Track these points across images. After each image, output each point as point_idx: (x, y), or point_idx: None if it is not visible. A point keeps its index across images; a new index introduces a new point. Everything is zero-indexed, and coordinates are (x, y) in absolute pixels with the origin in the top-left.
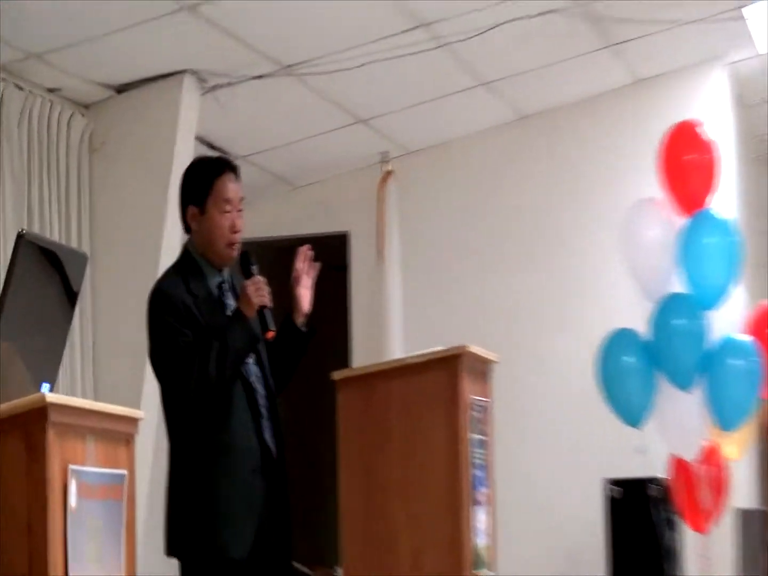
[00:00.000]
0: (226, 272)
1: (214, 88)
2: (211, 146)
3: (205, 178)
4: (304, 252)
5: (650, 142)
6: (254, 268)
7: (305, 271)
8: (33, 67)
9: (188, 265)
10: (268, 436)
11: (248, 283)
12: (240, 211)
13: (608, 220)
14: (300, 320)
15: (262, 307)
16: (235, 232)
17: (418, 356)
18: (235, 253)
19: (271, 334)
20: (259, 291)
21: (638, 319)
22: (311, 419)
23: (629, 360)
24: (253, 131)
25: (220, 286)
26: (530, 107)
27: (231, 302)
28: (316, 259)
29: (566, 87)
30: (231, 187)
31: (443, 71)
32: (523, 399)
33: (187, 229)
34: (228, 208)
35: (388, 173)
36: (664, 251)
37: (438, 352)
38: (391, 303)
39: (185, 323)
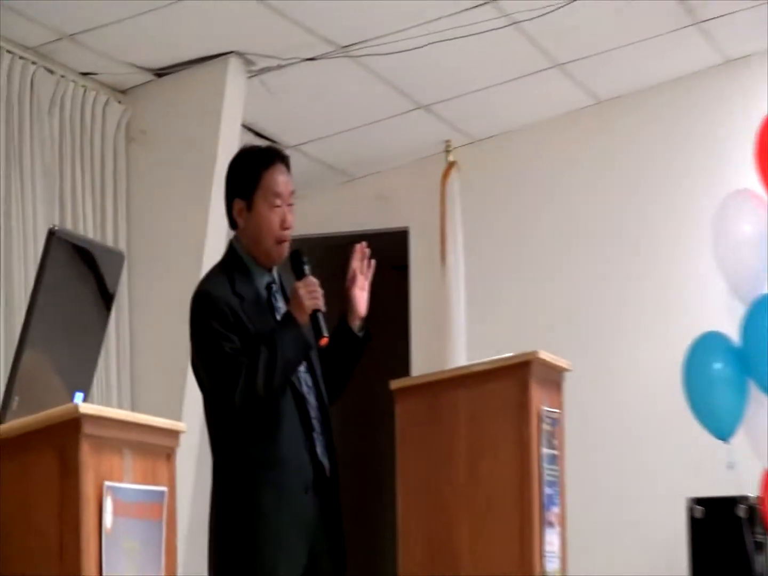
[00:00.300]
0: (275, 272)
1: (262, 71)
2: (259, 135)
3: (253, 170)
4: (361, 249)
5: (744, 128)
6: (306, 268)
7: (361, 270)
8: (65, 49)
9: (234, 264)
10: (320, 450)
11: (300, 284)
12: (291, 205)
13: (696, 215)
14: (355, 324)
15: (314, 311)
16: (286, 228)
17: (484, 363)
18: (286, 251)
19: (324, 341)
20: (312, 293)
21: (728, 323)
22: (367, 432)
23: (718, 367)
24: (305, 118)
25: (268, 287)
26: (607, 91)
27: (281, 305)
28: (373, 257)
29: (648, 69)
30: (281, 180)
31: (513, 52)
32: (598, 410)
33: (234, 225)
34: (278, 202)
35: (452, 164)
36: (757, 249)
37: (506, 358)
38: (455, 306)
39: (231, 328)
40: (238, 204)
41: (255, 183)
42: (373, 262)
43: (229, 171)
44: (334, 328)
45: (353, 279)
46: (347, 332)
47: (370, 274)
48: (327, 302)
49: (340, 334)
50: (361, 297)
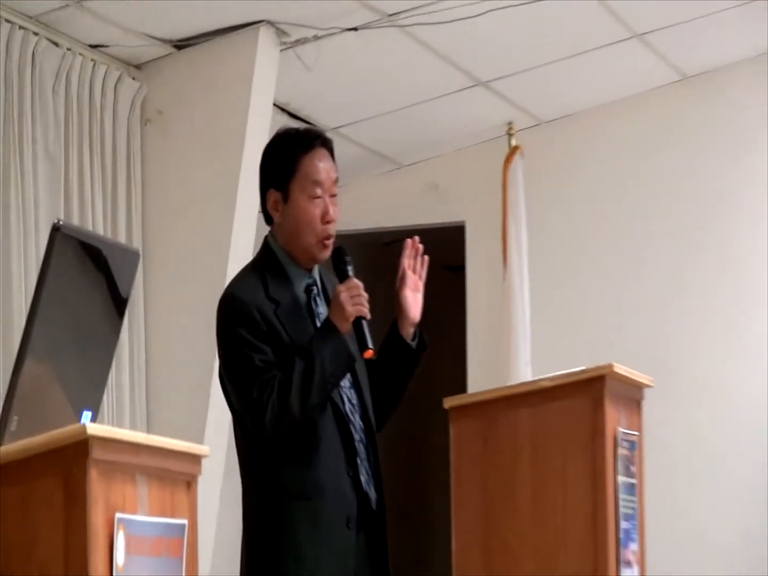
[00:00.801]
0: (316, 272)
1: (297, 43)
2: (294, 116)
3: (289, 155)
4: (413, 245)
5: None
6: (349, 269)
7: (413, 268)
8: (72, 17)
9: (269, 263)
10: (364, 479)
11: (342, 287)
12: (334, 196)
13: None
14: (408, 331)
15: (358, 319)
16: (328, 222)
17: (551, 378)
18: (328, 250)
19: (369, 353)
20: (356, 298)
21: None
22: (418, 457)
23: None
24: (346, 97)
25: (308, 290)
26: (694, 65)
27: (322, 311)
28: (426, 254)
29: (741, 41)
30: (322, 166)
31: (584, 20)
32: (681, 434)
33: (269, 219)
34: (318, 191)
35: (515, 149)
36: None
37: (577, 373)
38: (518, 314)
39: (263, 337)
40: (273, 195)
41: (291, 170)
42: (426, 258)
43: (263, 158)
44: (385, 336)
45: (404, 279)
46: (398, 341)
47: (423, 272)
48: (372, 308)
49: (390, 344)
50: (414, 299)
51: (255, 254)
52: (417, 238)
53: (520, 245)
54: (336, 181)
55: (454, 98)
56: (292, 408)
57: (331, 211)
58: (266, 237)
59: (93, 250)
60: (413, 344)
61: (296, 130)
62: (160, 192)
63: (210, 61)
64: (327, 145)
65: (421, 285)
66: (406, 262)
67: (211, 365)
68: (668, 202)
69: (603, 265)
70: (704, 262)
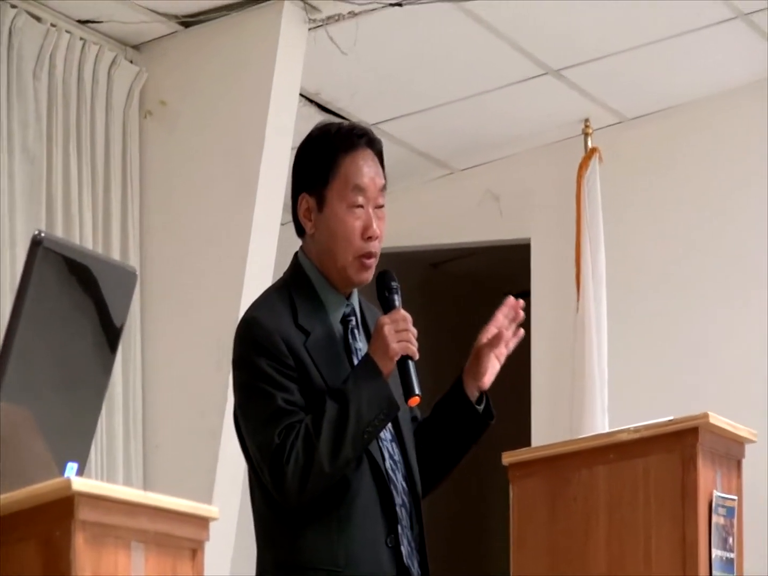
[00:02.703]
0: (354, 299)
1: (330, 20)
2: (324, 109)
3: (328, 155)
4: (515, 306)
5: None
6: (396, 298)
7: (509, 331)
8: None
9: (299, 285)
10: (405, 550)
11: (386, 319)
12: (380, 207)
13: None
14: (473, 394)
15: (404, 358)
16: (370, 238)
17: (633, 430)
18: (368, 272)
19: (415, 401)
20: (402, 333)
21: None
22: (473, 521)
23: None
24: (388, 86)
25: (345, 321)
26: None
27: (361, 346)
28: (482, 278)
29: None
30: (366, 171)
31: None
32: None
33: (300, 230)
34: (360, 200)
35: (592, 152)
36: None
37: (664, 423)
38: (592, 350)
39: (289, 373)
40: (306, 201)
41: (329, 172)
42: (521, 332)
43: (296, 157)
44: (450, 388)
45: (494, 340)
46: (463, 401)
47: (514, 342)
48: (421, 344)
49: (452, 402)
50: (493, 365)
51: (275, 276)
52: (522, 302)
53: (598, 268)
54: (383, 189)
55: (519, 89)
56: (321, 461)
57: (375, 224)
58: (296, 253)
59: (80, 269)
60: (480, 408)
61: (339, 126)
62: (162, 199)
63: (223, 42)
64: (374, 146)
65: (505, 355)
66: (502, 322)
67: (222, 409)
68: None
69: (697, 294)
70: None
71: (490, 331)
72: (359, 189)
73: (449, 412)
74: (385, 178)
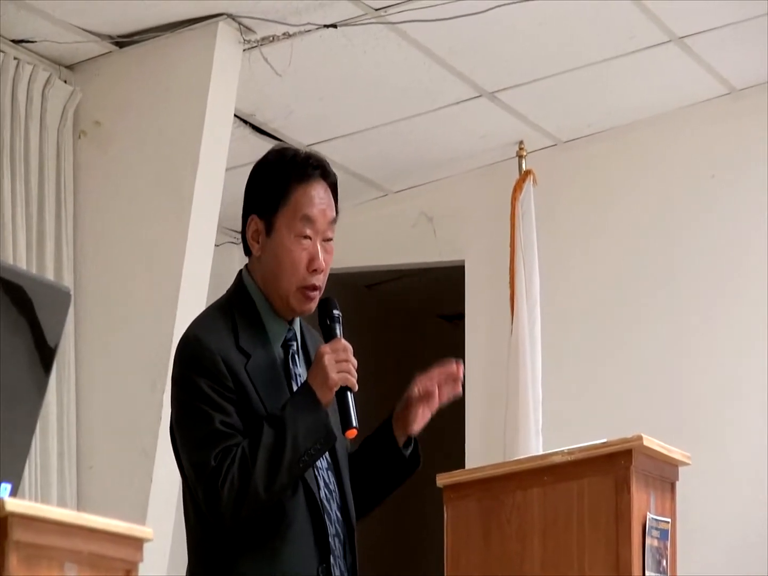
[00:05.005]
0: (296, 325)
1: (264, 41)
2: (259, 130)
3: (280, 181)
4: (452, 371)
5: None
6: (337, 327)
7: (443, 392)
8: None
9: (242, 305)
10: None
11: (327, 348)
12: (328, 240)
13: None
14: (400, 438)
15: (343, 389)
16: (316, 271)
17: (567, 452)
18: (311, 303)
19: (352, 433)
20: (342, 364)
21: None
22: (410, 545)
23: None
24: (323, 108)
25: (286, 346)
26: (744, 78)
27: (301, 371)
28: (415, 301)
29: None
30: (317, 202)
31: (615, 22)
32: (711, 517)
33: (247, 249)
34: (308, 231)
35: (527, 174)
36: None
37: (598, 446)
38: (527, 372)
39: (228, 396)
40: (255, 223)
41: (280, 199)
42: (459, 392)
43: (250, 178)
44: (377, 429)
45: (428, 396)
46: (390, 444)
47: (444, 400)
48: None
49: (379, 442)
50: (423, 416)
51: (210, 297)
52: (462, 367)
53: (532, 291)
54: (333, 222)
55: (453, 111)
56: (256, 487)
57: (321, 257)
58: (241, 271)
59: (14, 289)
60: (406, 453)
61: (294, 153)
62: (97, 219)
63: (158, 62)
64: (329, 178)
65: (437, 407)
66: (439, 379)
67: (156, 429)
68: (715, 238)
69: (627, 317)
70: (754, 314)
71: (425, 384)
72: (308, 220)
73: (376, 452)
74: (337, 211)
